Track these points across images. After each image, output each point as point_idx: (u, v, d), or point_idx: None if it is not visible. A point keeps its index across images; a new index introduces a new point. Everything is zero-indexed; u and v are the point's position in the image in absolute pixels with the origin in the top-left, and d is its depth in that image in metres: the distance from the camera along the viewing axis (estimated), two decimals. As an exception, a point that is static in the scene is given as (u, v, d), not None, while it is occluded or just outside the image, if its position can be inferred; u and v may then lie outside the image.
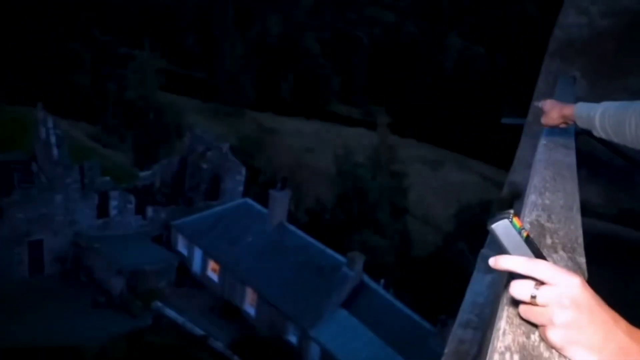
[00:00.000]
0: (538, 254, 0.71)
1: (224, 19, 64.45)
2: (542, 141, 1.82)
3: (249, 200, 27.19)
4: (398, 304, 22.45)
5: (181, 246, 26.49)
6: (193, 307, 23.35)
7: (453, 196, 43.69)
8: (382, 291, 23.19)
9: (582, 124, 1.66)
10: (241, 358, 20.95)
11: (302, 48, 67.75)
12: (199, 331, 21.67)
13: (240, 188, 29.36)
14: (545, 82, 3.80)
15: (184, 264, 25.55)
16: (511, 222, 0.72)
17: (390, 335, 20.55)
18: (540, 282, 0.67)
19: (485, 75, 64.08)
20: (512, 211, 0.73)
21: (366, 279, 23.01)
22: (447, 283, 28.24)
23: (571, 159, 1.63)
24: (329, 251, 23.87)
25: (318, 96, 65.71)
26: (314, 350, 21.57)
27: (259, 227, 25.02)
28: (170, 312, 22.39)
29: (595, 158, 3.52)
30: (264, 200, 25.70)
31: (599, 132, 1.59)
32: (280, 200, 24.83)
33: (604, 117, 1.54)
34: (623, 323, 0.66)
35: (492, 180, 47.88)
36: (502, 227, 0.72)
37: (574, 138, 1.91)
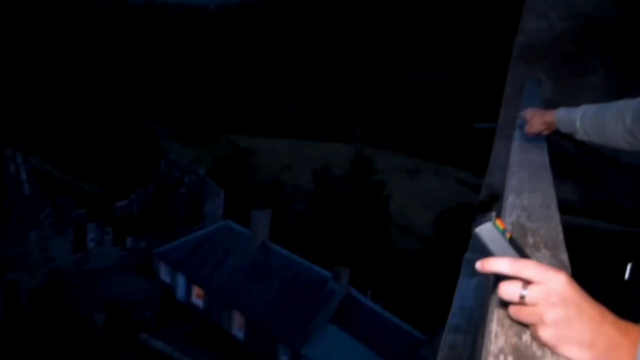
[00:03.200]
0: (523, 254, 0.73)
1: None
2: (515, 143, 1.86)
3: (230, 222, 26.93)
4: (387, 314, 22.38)
5: (164, 274, 26.00)
6: (180, 336, 22.84)
7: (432, 203, 44.13)
8: (370, 303, 23.10)
9: (564, 129, 1.72)
10: (233, 384, 20.53)
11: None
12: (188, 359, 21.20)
13: (220, 211, 29.08)
14: (512, 85, 3.89)
15: (168, 293, 25.05)
16: (494, 224, 0.73)
17: (382, 347, 20.43)
18: (527, 282, 0.68)
19: (455, 82, 65.41)
20: (494, 213, 0.75)
21: (353, 292, 22.91)
22: (433, 290, 28.34)
23: (544, 159, 1.67)
24: (314, 267, 23.74)
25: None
26: (307, 369, 21.29)
27: (241, 249, 24.76)
28: (158, 344, 21.85)
29: (565, 157, 3.61)
30: (246, 221, 25.50)
31: (581, 135, 1.65)
32: (262, 220, 24.66)
33: (584, 120, 1.60)
34: (610, 316, 0.67)
35: (468, 184, 48.60)
36: (486, 230, 0.73)
37: (545, 139, 1.96)
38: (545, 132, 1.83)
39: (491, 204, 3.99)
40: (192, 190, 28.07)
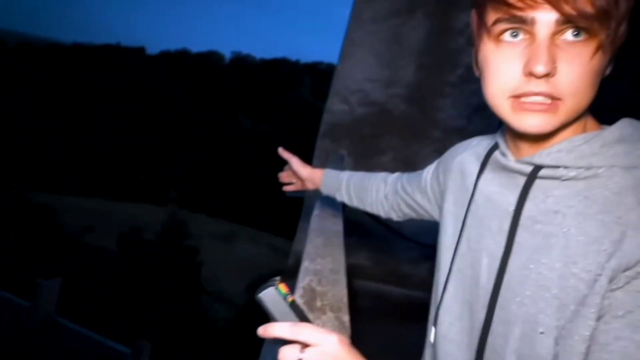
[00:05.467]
0: (302, 318, 0.75)
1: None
2: (315, 212, 1.99)
3: (5, 294, 22.72)
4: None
5: None
6: None
7: (245, 269, 44.11)
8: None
9: (327, 189, 1.71)
10: None
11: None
12: None
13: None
14: (319, 159, 4.23)
15: None
16: (277, 289, 0.74)
17: None
18: (305, 345, 0.70)
19: (273, 151, 68.39)
20: (278, 278, 0.76)
21: (156, 368, 21.00)
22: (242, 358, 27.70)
23: (339, 227, 1.81)
24: (110, 343, 21.21)
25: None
26: None
27: (20, 325, 20.90)
28: None
29: (363, 227, 4.00)
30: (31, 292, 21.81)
31: (342, 196, 1.67)
32: (50, 290, 21.40)
33: (349, 182, 1.64)
34: (378, 373, 0.72)
35: (282, 251, 50.17)
36: (268, 295, 0.73)
37: (341, 209, 2.13)
38: (307, 186, 1.78)
39: (298, 269, 4.15)
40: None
